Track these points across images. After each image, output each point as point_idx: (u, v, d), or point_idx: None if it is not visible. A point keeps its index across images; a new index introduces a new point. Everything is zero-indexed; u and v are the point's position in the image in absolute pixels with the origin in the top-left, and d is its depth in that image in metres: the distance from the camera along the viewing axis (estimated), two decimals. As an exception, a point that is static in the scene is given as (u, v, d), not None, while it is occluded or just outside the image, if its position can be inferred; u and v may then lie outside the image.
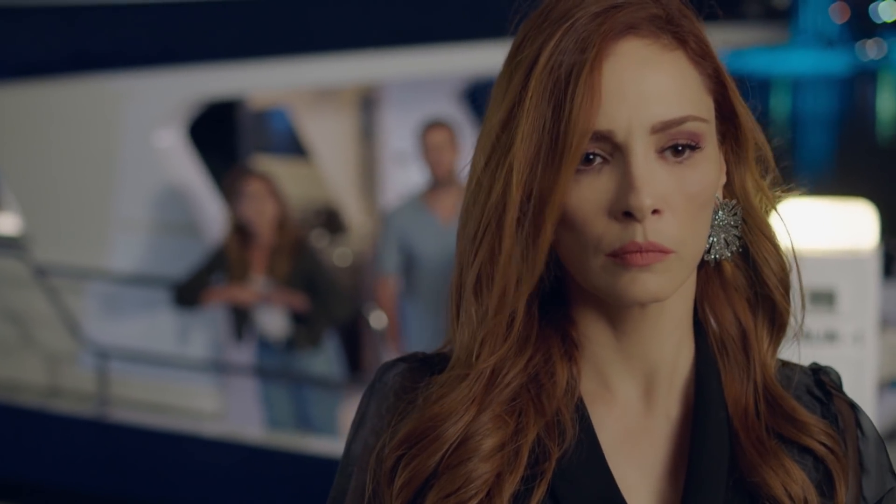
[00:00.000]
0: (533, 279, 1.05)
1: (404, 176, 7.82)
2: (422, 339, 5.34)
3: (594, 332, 1.10)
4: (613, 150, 1.02)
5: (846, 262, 2.78)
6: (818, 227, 2.89)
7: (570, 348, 1.10)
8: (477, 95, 8.30)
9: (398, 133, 7.85)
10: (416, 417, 1.07)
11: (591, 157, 1.02)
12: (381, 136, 8.01)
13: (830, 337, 2.82)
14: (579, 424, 1.07)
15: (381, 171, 8.08)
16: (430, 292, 5.34)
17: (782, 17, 7.16)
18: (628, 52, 1.02)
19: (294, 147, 8.56)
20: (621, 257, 1.01)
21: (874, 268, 2.87)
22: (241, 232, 5.56)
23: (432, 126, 5.49)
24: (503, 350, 1.06)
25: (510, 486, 1.04)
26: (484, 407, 1.06)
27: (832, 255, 2.76)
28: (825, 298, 2.81)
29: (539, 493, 1.05)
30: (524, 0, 1.09)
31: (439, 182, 5.41)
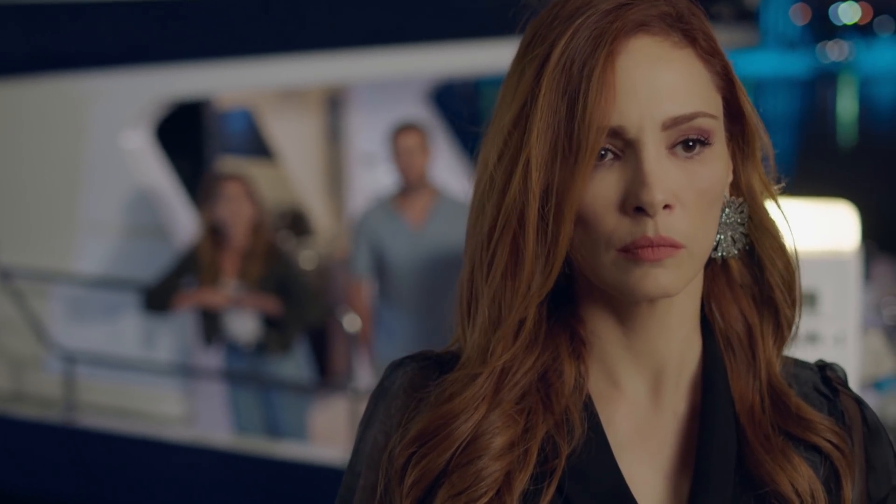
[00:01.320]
0: (552, 275, 1.05)
1: (371, 178, 7.79)
2: (394, 342, 5.31)
3: (602, 330, 1.10)
4: (625, 146, 1.02)
5: (828, 263, 2.79)
6: (798, 228, 2.89)
7: (578, 346, 1.10)
8: (444, 97, 8.31)
9: (365, 135, 7.83)
10: (428, 415, 1.07)
11: (603, 152, 1.03)
12: (348, 137, 7.97)
13: (812, 338, 2.83)
14: (588, 422, 1.07)
15: (347, 173, 8.03)
16: (402, 296, 5.29)
17: (752, 18, 7.20)
18: (640, 49, 1.03)
19: (260, 148, 8.52)
20: (633, 252, 1.01)
21: (856, 269, 2.88)
22: (215, 234, 5.51)
23: (404, 129, 5.31)
24: (514, 348, 1.07)
25: (520, 485, 1.05)
26: (494, 405, 1.06)
27: (814, 257, 2.77)
28: (807, 300, 2.81)
29: (549, 491, 1.05)
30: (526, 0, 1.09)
31: (410, 186, 5.26)
